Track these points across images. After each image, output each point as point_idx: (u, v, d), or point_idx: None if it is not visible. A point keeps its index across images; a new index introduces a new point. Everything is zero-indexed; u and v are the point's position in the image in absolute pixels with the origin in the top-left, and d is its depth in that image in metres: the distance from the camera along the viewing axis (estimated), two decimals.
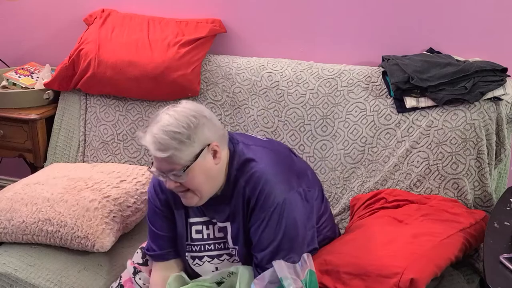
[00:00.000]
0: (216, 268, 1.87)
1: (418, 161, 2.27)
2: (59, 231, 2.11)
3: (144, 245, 2.01)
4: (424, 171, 2.26)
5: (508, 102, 2.24)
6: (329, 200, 2.40)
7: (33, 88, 2.87)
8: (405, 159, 2.29)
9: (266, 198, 1.73)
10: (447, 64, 2.28)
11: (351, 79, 2.44)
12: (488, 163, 2.22)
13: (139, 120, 2.69)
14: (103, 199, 2.18)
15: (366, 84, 2.41)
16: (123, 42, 2.67)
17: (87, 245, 2.08)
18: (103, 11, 2.86)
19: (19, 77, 2.91)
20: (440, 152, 2.25)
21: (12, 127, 2.79)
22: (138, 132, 1.74)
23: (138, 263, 1.98)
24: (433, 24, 2.47)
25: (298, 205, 1.77)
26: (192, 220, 1.88)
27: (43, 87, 2.82)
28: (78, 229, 2.09)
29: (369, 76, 2.42)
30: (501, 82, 2.21)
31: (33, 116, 2.73)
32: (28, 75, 2.94)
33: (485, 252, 1.72)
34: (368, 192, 2.31)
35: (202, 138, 1.68)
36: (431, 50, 2.47)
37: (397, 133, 2.32)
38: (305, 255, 1.71)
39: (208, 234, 1.87)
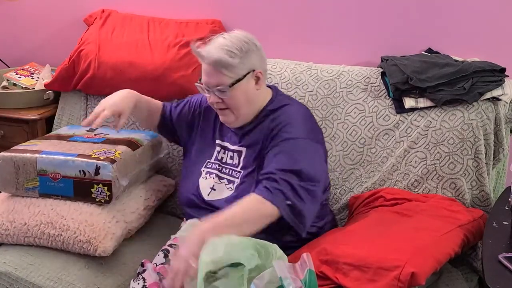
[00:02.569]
0: (213, 186, 2.05)
1: (416, 162, 2.28)
2: (61, 234, 2.10)
3: (165, 247, 2.04)
4: (422, 171, 2.27)
5: (507, 102, 2.25)
6: (329, 200, 2.41)
7: (33, 88, 2.87)
8: (403, 159, 2.30)
9: (288, 128, 1.92)
10: (446, 64, 2.29)
11: (350, 80, 2.44)
12: (485, 163, 2.23)
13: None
14: (106, 204, 2.18)
15: (365, 85, 2.42)
16: (123, 43, 2.68)
17: (89, 249, 2.07)
18: (103, 11, 2.86)
19: (19, 77, 2.92)
20: (438, 152, 2.26)
21: (12, 128, 2.79)
22: (193, 44, 1.95)
23: (161, 263, 1.97)
24: (431, 25, 2.48)
25: (318, 152, 1.97)
26: (218, 142, 2.10)
27: (43, 88, 2.83)
28: (81, 233, 2.08)
29: (368, 77, 2.43)
30: (499, 82, 2.22)
31: (33, 117, 2.74)
32: (28, 76, 2.94)
33: (483, 251, 1.73)
34: (367, 192, 2.32)
35: (250, 63, 1.90)
36: (429, 51, 2.48)
37: (396, 134, 2.33)
38: (304, 255, 1.70)
39: (222, 158, 2.08)
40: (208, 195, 2.04)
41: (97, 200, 2.15)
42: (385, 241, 1.80)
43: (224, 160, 2.07)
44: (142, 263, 2.03)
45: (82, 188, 2.14)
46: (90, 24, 2.85)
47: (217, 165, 2.09)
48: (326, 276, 1.75)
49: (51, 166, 2.16)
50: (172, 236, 2.13)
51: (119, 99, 2.13)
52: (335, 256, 1.76)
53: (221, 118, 2.01)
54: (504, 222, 1.86)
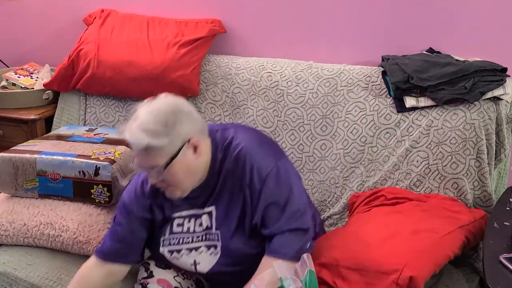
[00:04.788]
0: (195, 261, 1.86)
1: (417, 161, 2.28)
2: (60, 235, 2.11)
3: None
4: (424, 170, 2.27)
5: (508, 102, 2.24)
6: (329, 199, 2.41)
7: (33, 88, 2.87)
8: (405, 158, 2.29)
9: (258, 172, 1.76)
10: (447, 64, 2.28)
11: (350, 78, 2.43)
12: (487, 163, 2.22)
13: None
14: (106, 205, 2.18)
15: (365, 83, 2.41)
16: (123, 42, 2.67)
17: (89, 250, 2.07)
18: (102, 11, 2.85)
19: (18, 77, 2.91)
20: (440, 152, 2.25)
21: (11, 127, 2.79)
22: (119, 127, 1.75)
23: (143, 278, 1.95)
24: (433, 24, 2.47)
25: (290, 169, 1.83)
26: (176, 214, 1.88)
27: (43, 88, 2.82)
28: (80, 234, 2.09)
29: (368, 76, 2.42)
30: (500, 82, 2.21)
31: (32, 117, 2.73)
32: (27, 75, 2.94)
33: (484, 252, 1.73)
34: (368, 191, 2.31)
35: (182, 135, 1.68)
36: (431, 50, 2.47)
37: (397, 133, 2.32)
38: (304, 255, 1.70)
39: (188, 228, 1.87)
40: (196, 270, 1.88)
41: (96, 201, 2.15)
42: (384, 244, 1.80)
43: (192, 230, 1.87)
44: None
45: (81, 188, 2.14)
46: (89, 23, 2.84)
47: (179, 238, 1.89)
48: (324, 281, 1.74)
49: (50, 167, 2.15)
50: None
51: None
52: (334, 259, 1.76)
53: (166, 194, 1.80)
54: (505, 223, 1.86)
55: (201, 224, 1.85)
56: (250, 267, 1.75)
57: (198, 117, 1.76)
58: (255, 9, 2.72)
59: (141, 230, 1.89)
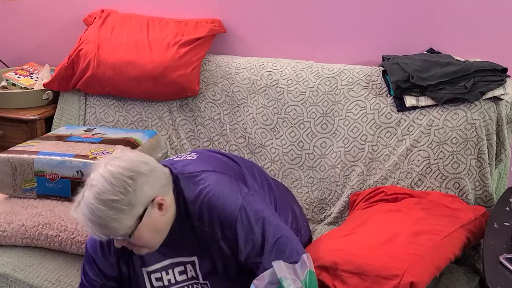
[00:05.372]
0: None
1: (418, 160, 2.27)
2: (59, 235, 2.10)
3: None
4: (425, 170, 2.26)
5: (508, 102, 2.24)
6: (330, 197, 2.41)
7: (33, 88, 2.87)
8: (406, 158, 2.29)
9: (227, 216, 1.66)
10: (447, 63, 2.28)
11: (351, 77, 2.43)
12: (488, 163, 2.22)
13: (139, 120, 2.68)
14: None
15: (366, 82, 2.41)
16: (123, 42, 2.67)
17: None
18: (102, 11, 2.85)
19: (18, 77, 2.91)
20: (441, 151, 2.24)
21: (11, 127, 2.79)
22: (72, 207, 1.59)
23: None
24: (433, 25, 2.46)
25: (256, 201, 1.73)
26: (150, 269, 1.77)
27: (43, 88, 2.82)
28: (79, 234, 2.08)
29: (369, 75, 2.42)
30: (501, 82, 2.20)
31: (32, 117, 2.73)
32: (27, 76, 2.94)
33: (485, 252, 1.72)
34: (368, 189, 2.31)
35: (144, 198, 1.57)
36: (431, 50, 2.46)
37: (398, 132, 2.31)
38: (304, 255, 1.70)
39: (169, 280, 1.77)
40: None
41: None
42: (384, 247, 1.78)
43: (173, 281, 1.77)
44: None
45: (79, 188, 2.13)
46: (89, 24, 2.85)
47: None
48: (324, 284, 1.73)
49: (48, 167, 2.15)
50: None
51: None
52: (334, 263, 1.74)
53: (135, 251, 1.68)
54: (505, 223, 1.85)
55: (183, 272, 1.76)
56: None
57: (160, 172, 1.63)
58: (255, 9, 2.71)
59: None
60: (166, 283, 1.77)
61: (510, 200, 1.92)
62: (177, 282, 1.77)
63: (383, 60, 2.46)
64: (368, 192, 2.26)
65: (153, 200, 1.59)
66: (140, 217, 1.57)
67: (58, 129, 2.59)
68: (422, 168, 2.26)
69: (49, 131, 2.75)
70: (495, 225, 1.85)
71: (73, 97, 2.79)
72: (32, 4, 3.10)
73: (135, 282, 1.80)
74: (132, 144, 2.29)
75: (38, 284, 2.03)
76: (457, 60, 2.33)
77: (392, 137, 2.32)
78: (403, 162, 2.29)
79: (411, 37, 2.50)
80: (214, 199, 1.68)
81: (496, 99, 2.22)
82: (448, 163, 2.23)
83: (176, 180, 1.72)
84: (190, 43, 2.62)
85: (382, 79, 2.39)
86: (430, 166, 2.25)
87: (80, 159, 2.13)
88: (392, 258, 1.71)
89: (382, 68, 2.42)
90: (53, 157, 2.16)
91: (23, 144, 2.35)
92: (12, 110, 2.79)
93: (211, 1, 2.77)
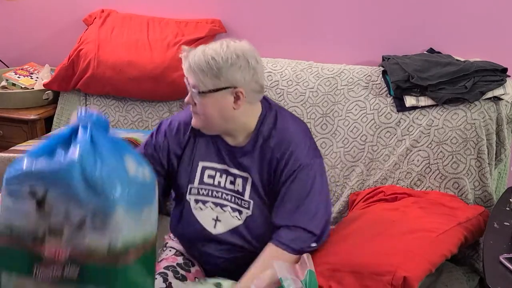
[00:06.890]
0: (217, 217, 1.86)
1: (418, 160, 2.27)
2: None
3: (160, 269, 1.90)
4: (425, 170, 2.26)
5: (508, 102, 2.24)
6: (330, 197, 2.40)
7: (33, 88, 2.87)
8: (405, 158, 2.29)
9: (295, 159, 1.78)
10: (447, 63, 2.28)
11: (351, 78, 2.43)
12: (488, 163, 2.22)
13: (139, 120, 2.68)
14: None
15: (366, 83, 2.41)
16: (123, 42, 2.67)
17: None
18: (102, 11, 2.86)
19: (18, 77, 2.91)
20: (441, 151, 2.24)
21: (11, 128, 2.79)
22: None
23: None
24: (433, 25, 2.47)
25: (323, 173, 1.86)
26: (206, 164, 1.88)
27: (43, 88, 2.82)
28: None
29: (369, 75, 2.42)
30: (501, 82, 2.20)
31: (32, 117, 2.74)
32: (27, 76, 2.94)
33: (484, 252, 1.72)
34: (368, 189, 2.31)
35: (230, 78, 1.70)
36: (431, 50, 2.47)
37: (397, 132, 2.31)
38: (305, 255, 1.70)
39: (219, 182, 1.86)
40: (214, 227, 1.86)
41: None
42: (378, 245, 1.78)
43: (222, 185, 1.87)
44: None
45: None
46: (89, 23, 2.85)
47: (208, 190, 1.89)
48: (319, 287, 1.73)
49: None
50: (165, 236, 2.10)
51: None
52: (330, 264, 1.74)
53: (192, 120, 1.83)
54: (505, 223, 1.85)
55: (232, 183, 1.85)
56: (245, 260, 1.78)
57: (259, 78, 1.77)
58: (255, 9, 2.72)
59: (163, 157, 1.91)
60: (215, 183, 1.87)
61: (510, 200, 1.92)
62: (225, 188, 1.86)
63: (383, 60, 2.46)
64: (367, 192, 2.26)
65: (235, 88, 1.72)
66: (217, 89, 1.71)
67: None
68: (422, 168, 2.26)
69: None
70: (495, 225, 1.85)
71: (73, 97, 2.79)
72: (32, 4, 3.10)
73: (184, 172, 1.90)
74: (133, 144, 2.29)
75: None
76: (457, 60, 2.33)
77: (392, 137, 2.32)
78: (403, 162, 2.29)
79: (411, 37, 2.50)
80: (298, 139, 1.82)
81: (496, 99, 2.22)
82: (448, 163, 2.24)
83: (271, 107, 1.87)
84: (190, 43, 2.61)
85: (382, 79, 2.39)
86: (430, 166, 2.26)
87: None
88: (386, 255, 1.72)
89: (382, 68, 2.42)
90: None
91: (23, 144, 2.35)
92: (12, 110, 2.79)
93: (211, 1, 2.78)
